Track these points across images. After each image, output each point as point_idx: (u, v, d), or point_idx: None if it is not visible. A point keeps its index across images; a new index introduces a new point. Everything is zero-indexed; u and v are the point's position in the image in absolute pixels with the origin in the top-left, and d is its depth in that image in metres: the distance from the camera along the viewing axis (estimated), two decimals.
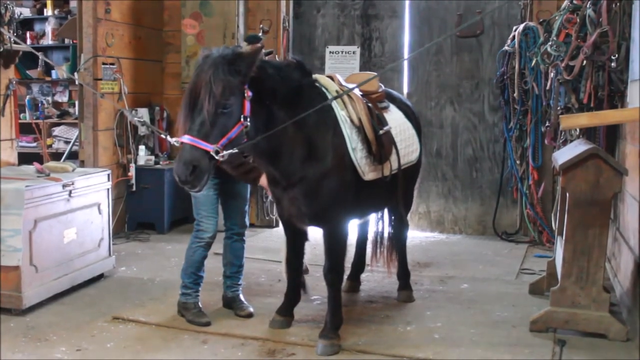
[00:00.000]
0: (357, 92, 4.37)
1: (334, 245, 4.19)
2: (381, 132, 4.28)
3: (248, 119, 3.69)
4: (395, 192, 4.56)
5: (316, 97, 4.07)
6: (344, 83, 4.39)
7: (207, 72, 3.60)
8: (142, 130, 7.25)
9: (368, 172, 4.20)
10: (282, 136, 3.89)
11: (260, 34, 7.33)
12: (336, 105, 4.15)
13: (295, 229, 4.39)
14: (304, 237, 4.49)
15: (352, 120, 4.16)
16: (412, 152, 4.69)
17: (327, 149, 4.05)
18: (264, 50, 4.44)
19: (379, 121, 4.34)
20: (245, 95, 3.68)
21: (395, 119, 4.60)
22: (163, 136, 4.25)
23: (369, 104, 4.37)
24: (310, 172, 4.00)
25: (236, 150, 3.68)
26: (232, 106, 3.64)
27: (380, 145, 4.24)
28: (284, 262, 4.59)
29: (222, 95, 3.57)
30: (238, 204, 4.72)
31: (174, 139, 3.75)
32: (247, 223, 4.84)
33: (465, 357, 4.04)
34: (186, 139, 3.57)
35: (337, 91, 4.17)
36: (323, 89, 4.19)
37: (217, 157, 3.58)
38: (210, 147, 3.55)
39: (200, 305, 4.62)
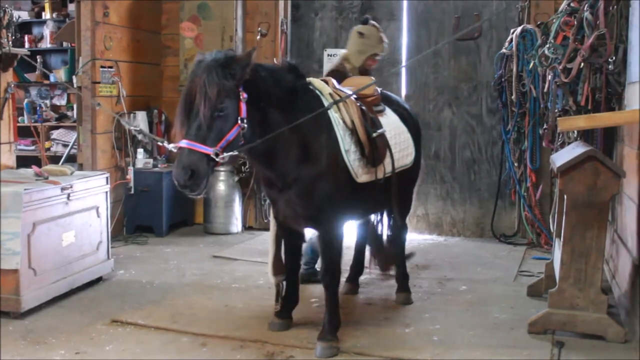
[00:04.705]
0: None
1: (329, 246, 4.20)
2: (374, 134, 4.30)
3: (245, 121, 3.71)
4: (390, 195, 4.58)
5: (311, 99, 4.12)
6: (338, 86, 4.42)
7: (202, 77, 3.61)
8: (141, 135, 7.26)
9: (361, 175, 4.22)
10: (276, 138, 3.92)
11: (258, 37, 7.38)
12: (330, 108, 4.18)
13: (291, 230, 4.42)
14: (300, 238, 4.52)
15: (345, 123, 4.19)
16: (406, 155, 4.70)
17: (321, 151, 4.08)
18: None
19: (373, 124, 4.37)
20: (241, 97, 3.71)
21: (390, 122, 4.62)
22: (160, 143, 4.26)
23: (363, 107, 4.40)
24: (305, 173, 4.03)
25: (236, 153, 3.71)
26: (228, 109, 3.65)
27: (374, 147, 4.27)
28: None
29: (218, 98, 3.59)
30: None
31: (171, 145, 3.75)
32: None
33: (464, 359, 4.05)
34: (184, 143, 3.58)
35: (330, 94, 4.21)
36: (317, 91, 4.23)
37: (217, 159, 3.60)
38: (209, 150, 3.57)
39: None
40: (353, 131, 4.20)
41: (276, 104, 3.92)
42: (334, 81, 4.45)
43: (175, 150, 3.66)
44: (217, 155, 3.59)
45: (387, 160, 4.41)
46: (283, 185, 4.10)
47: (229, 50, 4.07)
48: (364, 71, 5.14)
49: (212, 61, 3.67)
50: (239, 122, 3.69)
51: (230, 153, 3.65)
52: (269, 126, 3.87)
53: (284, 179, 4.07)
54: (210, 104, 3.57)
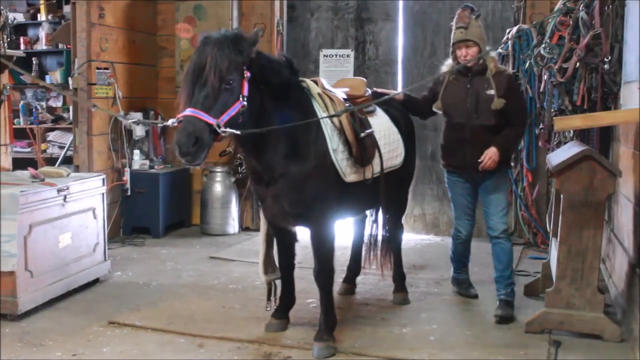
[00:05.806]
0: (340, 95, 4.45)
1: (321, 245, 4.21)
2: (362, 135, 4.32)
3: (245, 99, 3.75)
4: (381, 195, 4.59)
5: (301, 97, 4.20)
6: (327, 87, 4.45)
7: (212, 50, 3.66)
8: (137, 134, 7.25)
9: (349, 174, 4.24)
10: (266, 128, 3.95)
11: None
12: (318, 107, 4.21)
13: (281, 229, 4.42)
14: (292, 237, 4.51)
15: (333, 122, 4.21)
16: (396, 156, 4.70)
17: (309, 148, 4.11)
18: None
19: (361, 124, 4.38)
20: (245, 75, 3.75)
21: (380, 123, 4.64)
22: (159, 125, 4.24)
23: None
24: (292, 169, 4.05)
25: (238, 132, 3.72)
26: (234, 82, 3.70)
27: (362, 147, 4.29)
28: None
29: (228, 70, 3.64)
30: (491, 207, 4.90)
31: (171, 120, 3.78)
32: (502, 226, 4.92)
33: (461, 359, 4.05)
34: (189, 111, 3.61)
35: (319, 94, 4.27)
36: (307, 90, 4.28)
37: (218, 131, 3.62)
38: (212, 120, 3.59)
39: (471, 281, 5.27)
40: (341, 131, 4.22)
41: (272, 92, 3.96)
42: (324, 81, 4.47)
43: (176, 125, 3.68)
44: (218, 127, 3.61)
45: (376, 160, 4.43)
46: (270, 180, 4.11)
47: (235, 28, 4.10)
48: (455, 64, 4.88)
49: (222, 37, 3.73)
50: (241, 98, 3.73)
51: (233, 130, 3.67)
52: (264, 112, 3.92)
53: (270, 173, 4.08)
54: (220, 75, 3.62)
